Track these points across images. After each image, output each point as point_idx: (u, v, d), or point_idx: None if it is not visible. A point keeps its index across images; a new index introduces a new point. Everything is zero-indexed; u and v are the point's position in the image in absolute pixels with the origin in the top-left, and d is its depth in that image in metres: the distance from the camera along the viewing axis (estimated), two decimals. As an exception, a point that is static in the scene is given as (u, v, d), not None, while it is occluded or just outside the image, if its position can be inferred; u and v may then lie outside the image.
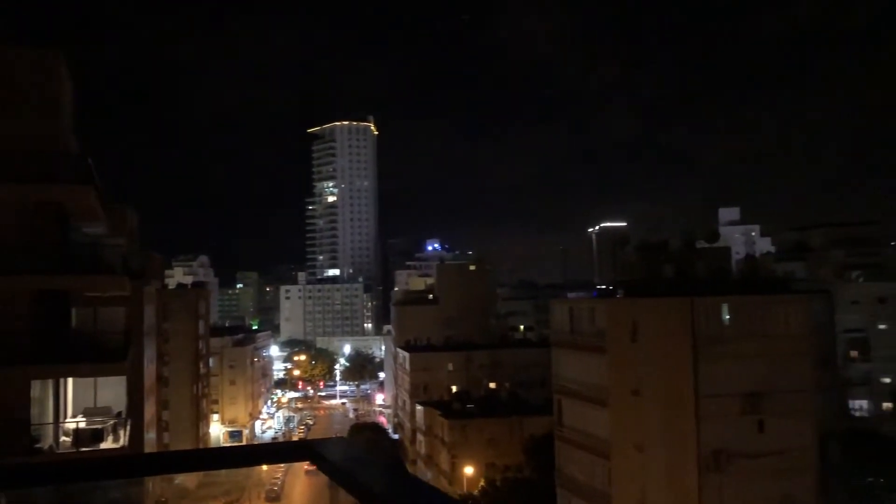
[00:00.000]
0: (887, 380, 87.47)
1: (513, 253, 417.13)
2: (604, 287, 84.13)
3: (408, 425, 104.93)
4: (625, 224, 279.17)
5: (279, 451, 4.50)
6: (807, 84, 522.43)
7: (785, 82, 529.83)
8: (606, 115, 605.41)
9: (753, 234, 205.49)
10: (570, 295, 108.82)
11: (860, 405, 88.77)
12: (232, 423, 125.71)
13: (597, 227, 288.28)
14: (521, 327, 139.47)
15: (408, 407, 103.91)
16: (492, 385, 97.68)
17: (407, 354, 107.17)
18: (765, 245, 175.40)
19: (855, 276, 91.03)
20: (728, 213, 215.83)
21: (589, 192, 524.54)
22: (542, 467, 59.68)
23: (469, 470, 73.58)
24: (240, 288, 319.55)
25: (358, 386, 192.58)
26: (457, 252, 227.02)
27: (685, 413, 43.92)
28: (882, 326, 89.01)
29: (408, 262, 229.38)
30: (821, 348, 66.43)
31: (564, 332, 55.01)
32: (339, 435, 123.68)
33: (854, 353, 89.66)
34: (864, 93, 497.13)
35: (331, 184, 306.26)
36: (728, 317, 45.36)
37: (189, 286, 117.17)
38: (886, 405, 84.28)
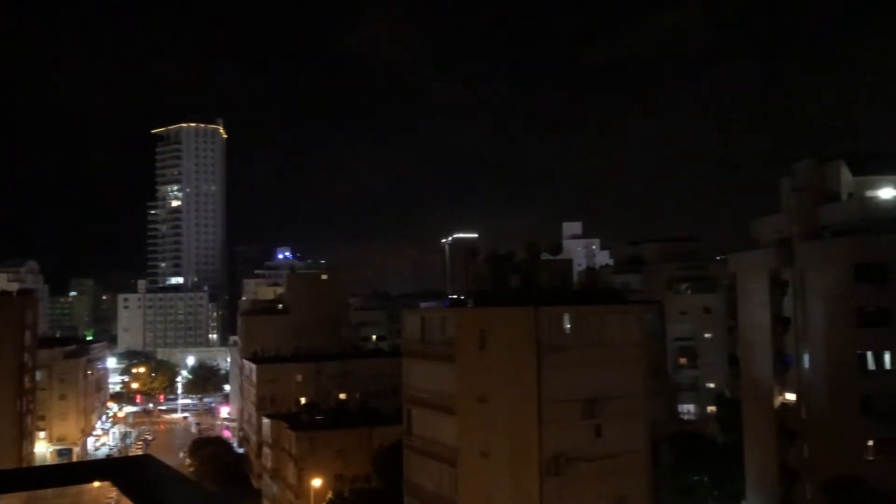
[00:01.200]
0: (712, 385, 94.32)
1: (366, 263, 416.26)
2: (456, 297, 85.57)
3: (254, 439, 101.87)
4: (476, 235, 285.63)
5: (76, 471, 4.14)
6: (655, 103, 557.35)
7: (635, 101, 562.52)
8: (461, 128, 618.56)
9: (594, 247, 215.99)
10: (423, 304, 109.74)
11: (688, 409, 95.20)
12: (61, 440, 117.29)
13: (450, 238, 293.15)
14: (374, 337, 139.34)
15: (254, 420, 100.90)
16: (342, 396, 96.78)
17: (254, 366, 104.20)
18: (604, 258, 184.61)
19: (684, 288, 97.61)
20: (571, 228, 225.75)
21: (443, 204, 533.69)
22: (390, 477, 59.62)
23: (317, 482, 72.33)
24: (73, 296, 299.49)
25: (201, 399, 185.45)
26: (309, 261, 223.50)
27: (529, 419, 45.31)
28: (707, 335, 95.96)
29: (257, 271, 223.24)
30: (653, 356, 70.39)
31: (416, 342, 55.33)
32: (180, 450, 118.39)
33: (683, 361, 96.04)
34: (711, 114, 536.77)
35: (175, 188, 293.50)
36: (569, 326, 47.30)
37: (14, 293, 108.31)
38: (711, 408, 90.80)
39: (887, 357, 51.92)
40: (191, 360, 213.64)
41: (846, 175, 57.32)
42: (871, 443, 51.66)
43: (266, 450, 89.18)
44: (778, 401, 60.48)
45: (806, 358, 56.84)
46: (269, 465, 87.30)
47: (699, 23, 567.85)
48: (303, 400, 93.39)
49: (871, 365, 52.26)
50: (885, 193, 56.60)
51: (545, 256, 60.10)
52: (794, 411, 58.49)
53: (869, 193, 56.96)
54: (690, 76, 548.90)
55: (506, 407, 46.05)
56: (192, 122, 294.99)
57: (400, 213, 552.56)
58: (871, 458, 51.35)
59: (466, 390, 47.49)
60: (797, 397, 58.34)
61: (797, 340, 57.90)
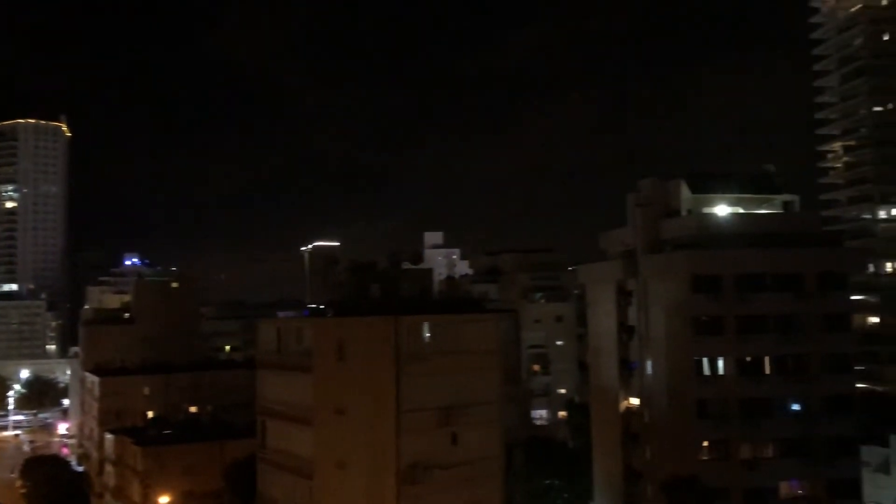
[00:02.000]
0: (563, 391, 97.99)
1: (222, 271, 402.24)
2: (315, 306, 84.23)
3: (95, 456, 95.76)
4: (337, 244, 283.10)
5: None
6: (519, 118, 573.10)
7: (499, 115, 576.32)
8: (322, 135, 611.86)
9: (454, 256, 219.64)
10: (281, 314, 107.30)
11: (541, 414, 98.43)
12: None
13: (310, 247, 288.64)
14: (228, 348, 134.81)
15: (96, 436, 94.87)
16: (193, 409, 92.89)
17: (96, 378, 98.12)
18: (464, 268, 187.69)
19: (538, 298, 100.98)
20: (433, 237, 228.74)
21: (303, 212, 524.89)
22: (243, 493, 57.73)
23: (164, 500, 68.93)
24: None
25: (36, 415, 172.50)
26: (159, 268, 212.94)
27: (386, 429, 45.18)
28: (559, 343, 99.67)
29: (102, 278, 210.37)
30: (509, 363, 72.53)
31: (271, 352, 53.96)
32: (10, 471, 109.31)
33: (536, 367, 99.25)
34: (570, 130, 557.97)
35: (10, 188, 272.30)
36: (429, 335, 47.64)
37: None
38: (562, 414, 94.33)
39: (720, 363, 55.79)
40: (25, 373, 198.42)
41: (686, 192, 61.32)
42: (705, 444, 55.30)
43: (109, 467, 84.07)
44: (623, 405, 63.64)
45: (648, 364, 60.18)
46: (111, 483, 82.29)
47: (561, 43, 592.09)
48: (150, 414, 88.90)
49: (706, 371, 55.99)
50: (720, 210, 61.06)
51: (406, 266, 60.33)
52: (638, 415, 61.77)
53: (706, 210, 61.27)
54: (551, 94, 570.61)
55: (364, 417, 45.71)
56: (31, 118, 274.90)
57: (259, 220, 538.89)
58: (705, 458, 54.97)
59: (324, 401, 46.78)
60: (640, 402, 61.65)
61: (641, 348, 61.23)
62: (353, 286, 54.84)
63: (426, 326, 47.60)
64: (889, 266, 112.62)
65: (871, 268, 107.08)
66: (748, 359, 55.76)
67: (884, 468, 61.86)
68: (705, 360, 55.90)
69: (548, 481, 70.46)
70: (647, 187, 63.40)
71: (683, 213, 61.29)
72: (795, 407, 55.52)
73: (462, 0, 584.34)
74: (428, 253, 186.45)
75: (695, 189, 61.42)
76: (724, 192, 61.74)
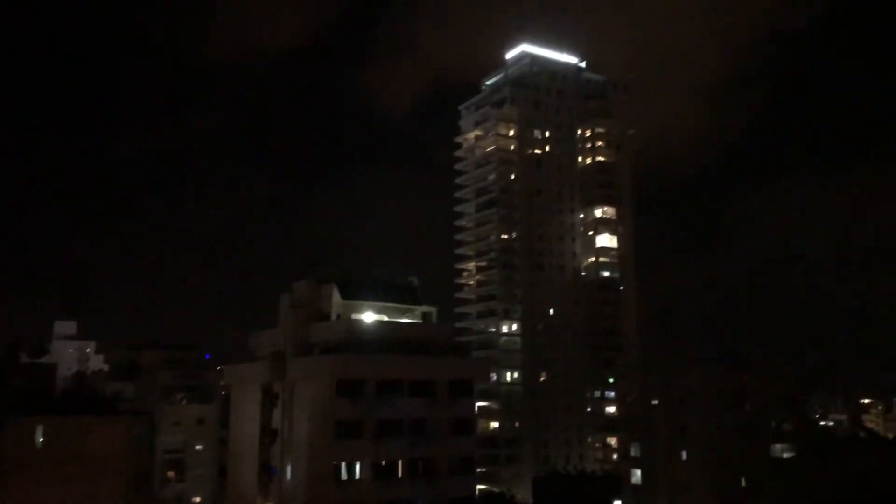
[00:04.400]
0: (198, 499, 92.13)
1: None
2: None
3: None
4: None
5: None
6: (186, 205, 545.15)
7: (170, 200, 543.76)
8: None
9: (88, 350, 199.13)
10: None
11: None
12: None
13: None
14: None
15: None
16: None
17: None
18: (99, 362, 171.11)
19: (179, 398, 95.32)
20: (64, 327, 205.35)
21: None
22: None
23: None
24: None
25: None
26: None
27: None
28: (199, 447, 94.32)
29: None
30: (140, 470, 66.56)
31: None
32: None
33: (171, 474, 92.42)
34: (229, 226, 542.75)
35: None
36: (42, 439, 42.08)
37: None
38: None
39: (358, 467, 57.08)
40: None
41: (337, 297, 63.47)
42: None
43: None
44: (260, 512, 61.60)
45: (289, 469, 59.43)
46: None
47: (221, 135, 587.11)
48: None
49: (344, 475, 56.80)
50: (367, 317, 64.05)
51: (25, 359, 53.32)
52: (275, 522, 60.08)
53: (354, 315, 63.83)
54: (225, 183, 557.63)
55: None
56: None
57: None
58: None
59: None
60: (278, 508, 60.22)
61: (283, 451, 60.40)
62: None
63: (40, 430, 42.07)
64: (508, 375, 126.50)
65: (494, 377, 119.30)
66: (384, 462, 57.86)
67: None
68: (343, 465, 56.79)
69: None
70: (301, 289, 64.41)
71: (333, 317, 63.15)
72: (424, 508, 58.44)
73: None
74: (57, 344, 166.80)
75: (345, 295, 63.89)
76: (372, 300, 65.06)
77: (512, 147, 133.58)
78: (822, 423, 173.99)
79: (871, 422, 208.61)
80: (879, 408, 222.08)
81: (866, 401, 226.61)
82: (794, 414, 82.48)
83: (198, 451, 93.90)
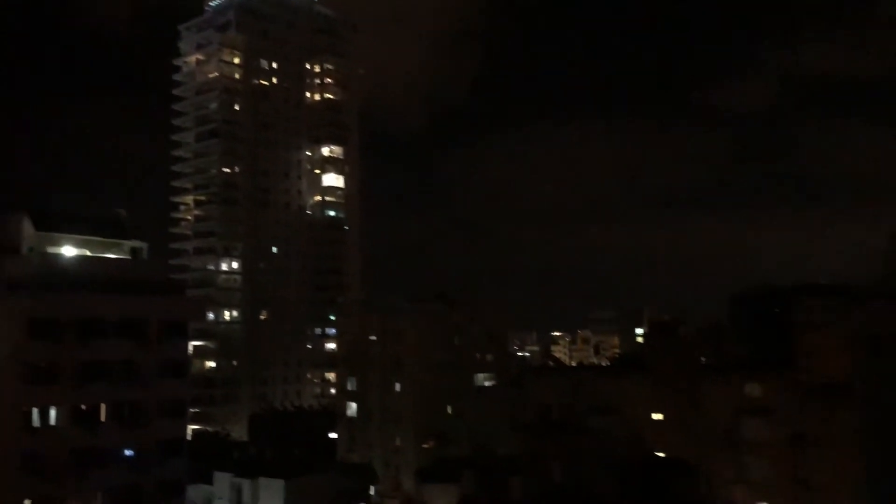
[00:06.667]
0: None
1: None
2: None
3: None
4: None
5: None
6: None
7: None
8: None
9: None
10: None
11: None
12: None
13: None
14: None
15: None
16: None
17: None
18: None
19: None
20: None
21: None
22: None
23: None
24: None
25: None
26: None
27: None
28: None
29: None
30: None
31: None
32: None
33: None
34: None
35: None
36: None
37: None
38: None
39: (53, 413, 52.28)
40: None
41: (29, 229, 56.71)
42: (28, 502, 50.79)
43: None
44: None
45: (-32, 419, 52.75)
46: None
47: None
48: None
49: (36, 422, 51.75)
50: (67, 251, 58.11)
51: None
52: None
53: (51, 249, 57.56)
54: None
55: None
56: None
57: None
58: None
59: None
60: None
61: (-40, 401, 53.35)
62: None
63: None
64: (227, 314, 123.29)
65: (212, 316, 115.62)
66: (84, 407, 53.62)
67: (208, 505, 66.11)
68: (36, 411, 51.69)
69: None
70: (-18, 220, 56.52)
71: (25, 250, 56.44)
72: (129, 454, 55.37)
73: None
74: None
75: (40, 226, 57.31)
76: (72, 233, 59.08)
77: (237, 75, 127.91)
78: (520, 354, 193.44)
79: (560, 352, 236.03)
80: (567, 339, 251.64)
81: (556, 333, 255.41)
82: (495, 348, 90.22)
83: None
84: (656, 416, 68.34)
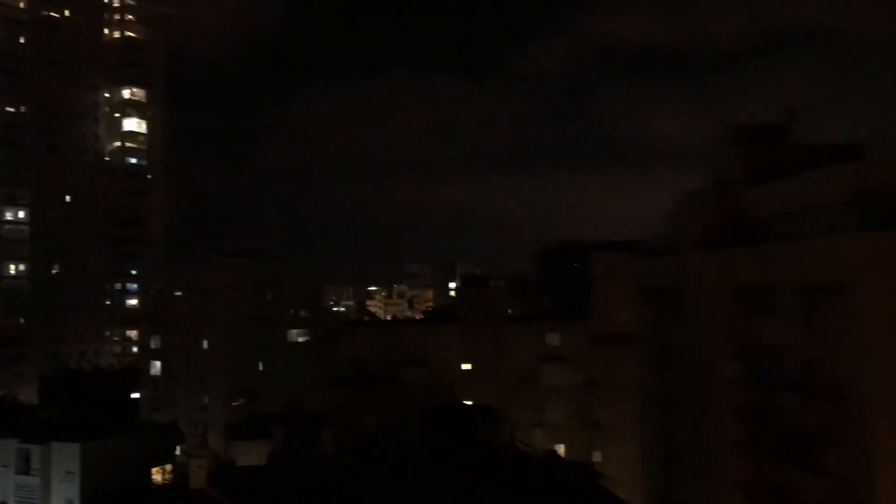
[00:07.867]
0: None
1: None
2: None
3: None
4: None
5: None
6: None
7: None
8: None
9: None
10: None
11: None
12: None
13: None
14: None
15: None
16: None
17: None
18: None
19: None
20: None
21: None
22: None
23: None
24: None
25: None
26: None
27: None
28: None
29: None
30: None
31: None
32: None
33: None
34: None
35: None
36: None
37: None
38: None
39: None
40: None
41: None
42: None
43: None
44: None
45: None
46: None
47: None
48: None
49: None
50: None
51: None
52: None
53: None
54: None
55: None
56: None
57: None
58: None
59: None
60: None
61: None
62: None
63: None
64: (12, 268, 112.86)
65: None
66: None
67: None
68: None
69: None
70: None
71: None
72: None
73: None
74: None
75: None
76: None
77: (21, 4, 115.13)
78: (335, 309, 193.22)
79: (375, 307, 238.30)
80: (383, 294, 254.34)
81: (373, 288, 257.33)
82: (309, 303, 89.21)
83: None
84: (465, 366, 70.98)
